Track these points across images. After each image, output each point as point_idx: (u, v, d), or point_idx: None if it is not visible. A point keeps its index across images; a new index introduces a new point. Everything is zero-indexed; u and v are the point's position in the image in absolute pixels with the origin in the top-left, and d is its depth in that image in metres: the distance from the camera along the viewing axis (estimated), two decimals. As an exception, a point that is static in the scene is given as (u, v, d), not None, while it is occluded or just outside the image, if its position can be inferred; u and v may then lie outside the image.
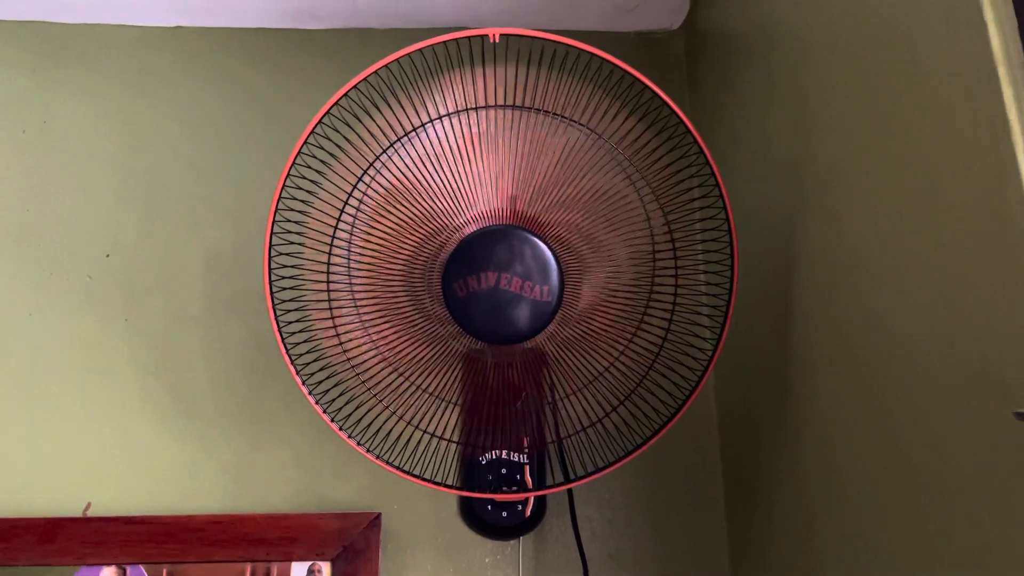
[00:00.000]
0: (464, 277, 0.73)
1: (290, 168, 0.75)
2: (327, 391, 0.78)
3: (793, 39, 0.80)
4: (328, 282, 0.77)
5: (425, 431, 0.80)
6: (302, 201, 0.77)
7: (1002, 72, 0.48)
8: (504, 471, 0.93)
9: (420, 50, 0.73)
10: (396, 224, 0.77)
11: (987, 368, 0.51)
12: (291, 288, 0.77)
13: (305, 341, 0.78)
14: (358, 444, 0.77)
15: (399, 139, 0.76)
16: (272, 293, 0.76)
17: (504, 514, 0.96)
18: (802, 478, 0.79)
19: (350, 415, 0.78)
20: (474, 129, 0.76)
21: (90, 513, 0.98)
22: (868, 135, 0.65)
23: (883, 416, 0.64)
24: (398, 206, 0.77)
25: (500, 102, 0.75)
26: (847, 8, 0.69)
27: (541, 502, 0.98)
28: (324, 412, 0.77)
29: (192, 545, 0.95)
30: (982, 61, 0.50)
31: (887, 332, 0.63)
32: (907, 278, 0.60)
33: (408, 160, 0.76)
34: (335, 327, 0.77)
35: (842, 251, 0.70)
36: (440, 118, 0.76)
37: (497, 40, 0.73)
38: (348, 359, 0.78)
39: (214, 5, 1.13)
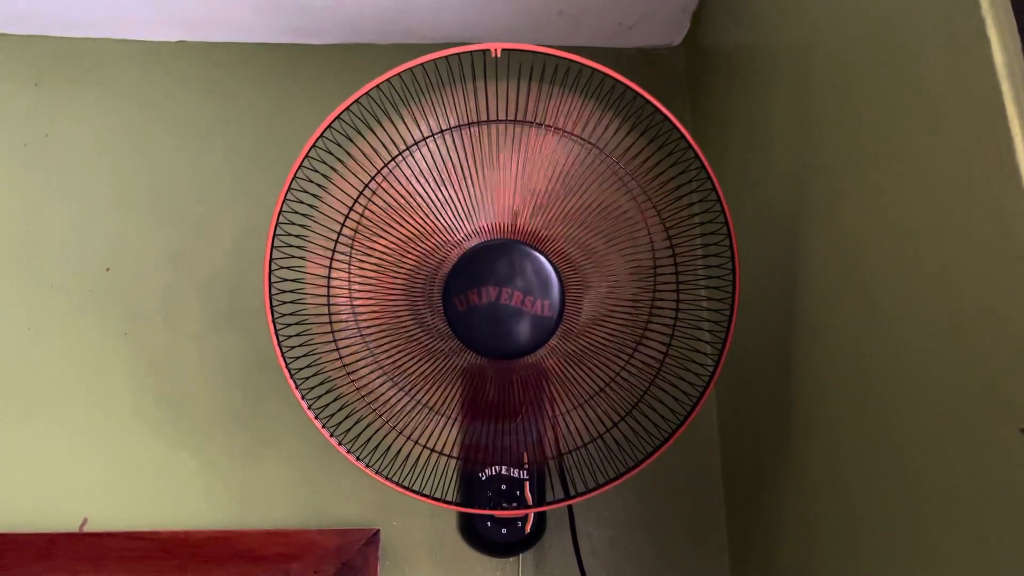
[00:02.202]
0: (465, 291, 0.73)
1: (291, 182, 0.75)
2: (326, 406, 0.78)
3: (794, 55, 0.80)
4: (329, 296, 0.77)
5: (425, 446, 0.79)
6: (303, 215, 0.77)
7: (1005, 87, 0.48)
8: (504, 487, 0.93)
9: (422, 65, 0.73)
10: (397, 238, 0.77)
11: (994, 384, 0.50)
12: (291, 303, 0.77)
13: (305, 355, 0.78)
14: (357, 459, 0.77)
15: (400, 153, 0.76)
16: (272, 307, 0.75)
17: (504, 531, 0.96)
18: (806, 495, 0.79)
19: (349, 430, 0.78)
20: (475, 143, 0.76)
21: (87, 529, 0.98)
22: (871, 150, 0.65)
23: (888, 433, 0.63)
24: (399, 220, 0.77)
25: (501, 117, 0.76)
26: (848, 24, 0.69)
27: (541, 519, 0.98)
28: (323, 427, 0.76)
29: (189, 561, 0.94)
30: (986, 76, 0.50)
31: (892, 348, 0.62)
32: (912, 294, 0.59)
33: (409, 174, 0.76)
34: (335, 341, 0.77)
35: (845, 266, 0.70)
36: (442, 132, 0.76)
37: (499, 55, 0.73)
38: (348, 374, 0.78)
39: (217, 20, 1.13)
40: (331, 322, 0.77)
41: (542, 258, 0.74)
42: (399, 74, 0.73)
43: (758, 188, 0.91)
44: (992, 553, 0.51)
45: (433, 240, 0.77)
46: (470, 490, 0.92)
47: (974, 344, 0.52)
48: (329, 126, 0.74)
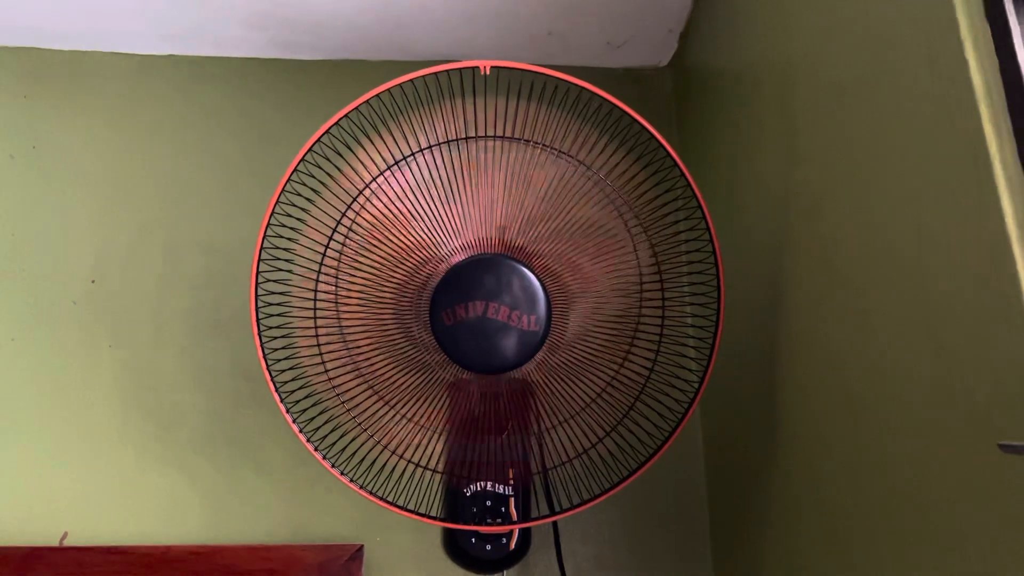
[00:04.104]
0: (452, 306, 0.73)
1: (279, 196, 0.75)
2: (312, 419, 0.77)
3: (779, 76, 0.81)
4: (315, 309, 0.77)
5: (410, 461, 0.79)
6: (291, 228, 0.77)
7: (983, 109, 0.49)
8: (489, 503, 0.92)
9: (412, 81, 0.73)
10: (385, 252, 0.77)
11: (974, 401, 0.51)
12: (278, 315, 0.77)
13: (291, 369, 0.77)
14: (341, 474, 0.76)
15: (388, 168, 0.77)
16: (258, 320, 0.75)
17: (488, 547, 0.95)
18: (789, 511, 0.79)
19: (334, 444, 0.78)
20: (464, 159, 0.76)
21: (67, 543, 0.96)
22: (854, 169, 0.66)
23: (871, 448, 0.64)
24: (387, 234, 0.77)
25: (490, 133, 0.76)
26: (831, 45, 0.70)
27: (526, 535, 0.97)
28: (308, 441, 0.76)
29: (170, 576, 0.94)
30: (964, 98, 0.51)
31: (874, 365, 0.63)
32: (894, 311, 0.60)
33: (398, 189, 0.77)
34: (321, 355, 0.77)
35: (829, 284, 0.71)
36: (431, 148, 0.76)
37: (488, 72, 0.73)
38: (334, 387, 0.77)
39: (207, 34, 1.14)
40: (317, 335, 0.77)
41: (529, 273, 0.74)
42: (388, 90, 0.74)
43: (743, 206, 0.92)
44: (971, 562, 0.51)
45: (421, 254, 0.77)
46: (455, 505, 0.92)
47: (955, 361, 0.53)
48: (318, 140, 0.74)
